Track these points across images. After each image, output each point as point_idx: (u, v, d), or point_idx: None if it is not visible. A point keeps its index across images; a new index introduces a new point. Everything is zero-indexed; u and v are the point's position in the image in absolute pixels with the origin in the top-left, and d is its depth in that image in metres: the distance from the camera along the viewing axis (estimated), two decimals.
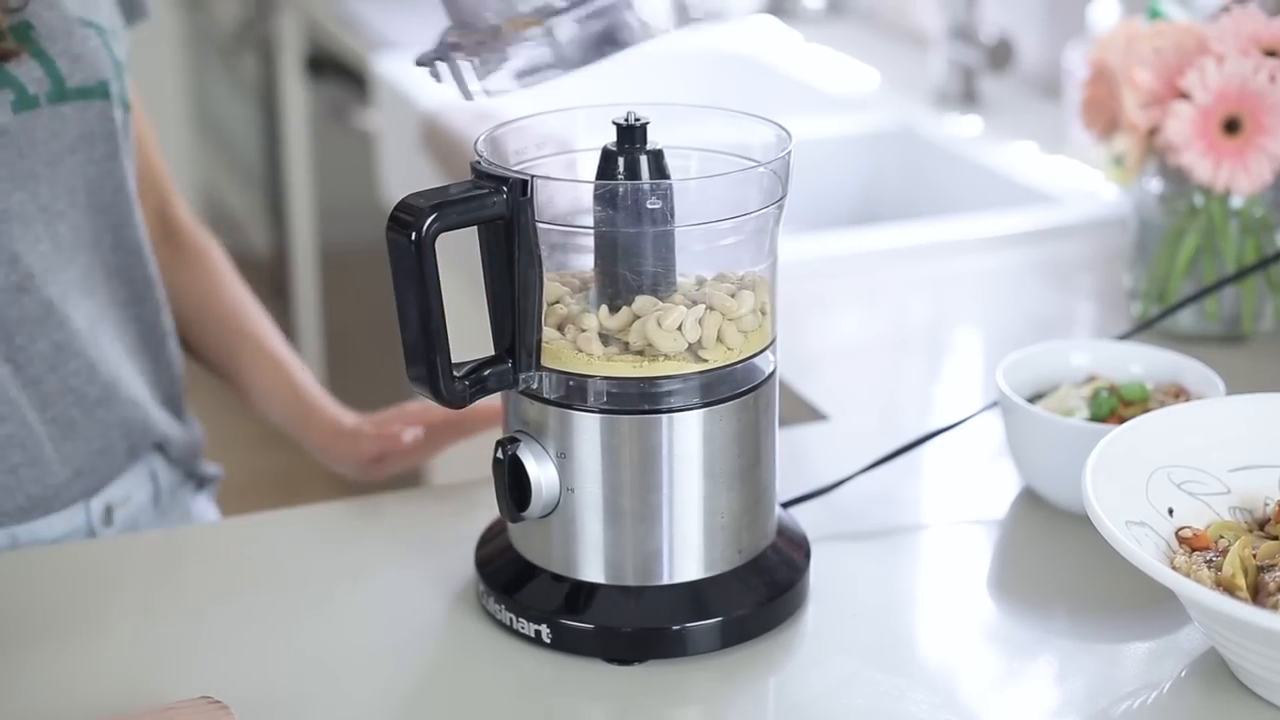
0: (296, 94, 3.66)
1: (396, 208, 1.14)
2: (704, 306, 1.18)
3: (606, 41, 1.12)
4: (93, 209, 1.47)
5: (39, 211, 1.42)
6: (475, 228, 1.18)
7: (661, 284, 1.19)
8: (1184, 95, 1.65)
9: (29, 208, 1.42)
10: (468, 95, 1.15)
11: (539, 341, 1.19)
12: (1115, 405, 1.41)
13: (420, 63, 1.17)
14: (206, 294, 1.66)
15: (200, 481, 1.63)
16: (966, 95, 2.61)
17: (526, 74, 1.14)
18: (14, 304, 1.42)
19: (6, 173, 1.41)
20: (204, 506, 1.63)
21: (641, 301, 1.18)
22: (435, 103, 2.64)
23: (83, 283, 1.47)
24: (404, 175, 2.81)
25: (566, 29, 1.11)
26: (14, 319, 1.42)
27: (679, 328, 1.17)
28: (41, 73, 1.43)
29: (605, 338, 1.19)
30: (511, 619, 1.24)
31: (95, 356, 1.47)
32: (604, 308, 1.19)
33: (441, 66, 1.15)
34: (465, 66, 1.14)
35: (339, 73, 3.27)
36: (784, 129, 1.23)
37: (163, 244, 1.63)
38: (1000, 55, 2.55)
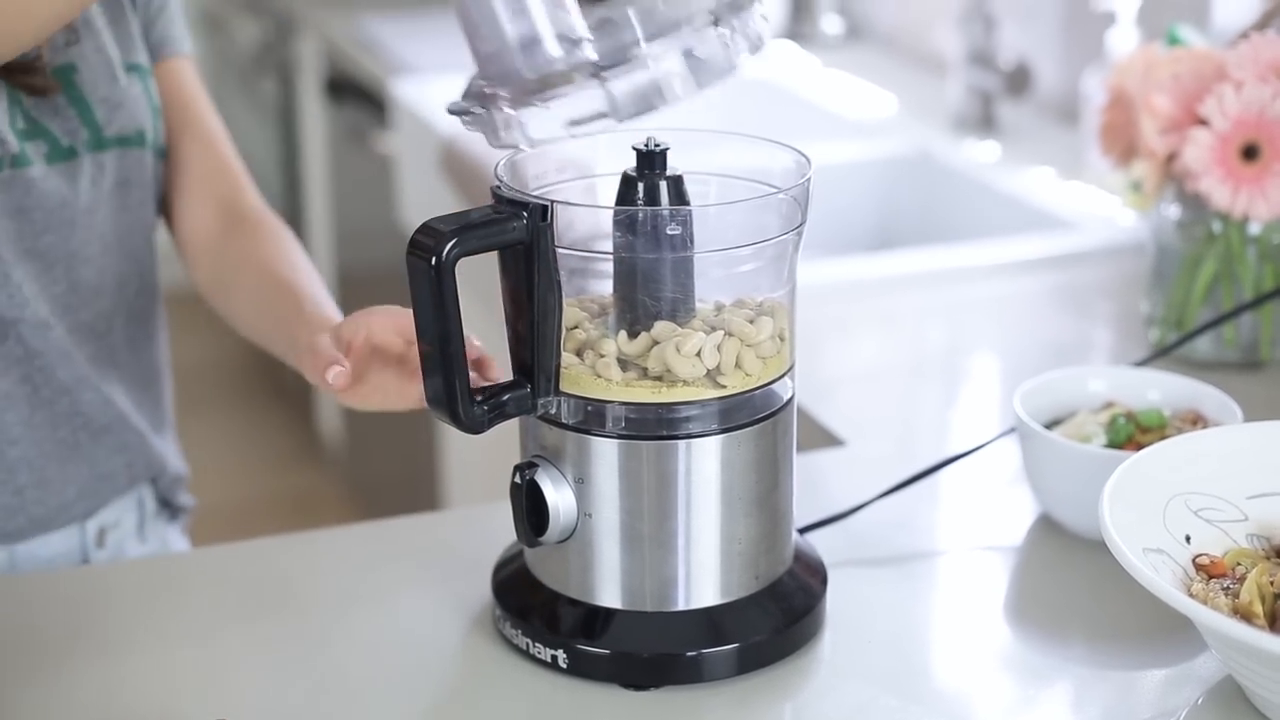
0: (316, 117, 3.67)
1: (417, 232, 1.15)
2: (722, 333, 1.18)
3: (655, 94, 1.12)
4: (122, 254, 1.48)
5: (66, 255, 1.43)
6: (494, 252, 1.18)
7: (680, 310, 1.19)
8: (1202, 121, 1.65)
9: (57, 251, 1.43)
10: (500, 144, 1.14)
11: (558, 367, 1.19)
12: (1132, 432, 1.41)
13: (453, 112, 1.17)
14: (270, 258, 1.53)
15: (174, 511, 1.63)
16: (985, 121, 2.61)
17: (578, 123, 1.13)
18: (39, 336, 1.43)
19: (41, 216, 1.42)
20: (177, 536, 1.64)
21: (660, 327, 1.18)
22: (454, 126, 2.64)
23: (101, 322, 1.48)
24: (422, 199, 2.81)
25: (621, 82, 1.11)
26: (37, 349, 1.43)
27: (697, 354, 1.17)
28: (78, 122, 1.43)
29: (624, 363, 1.19)
30: (528, 643, 1.24)
31: (107, 390, 1.48)
32: (623, 333, 1.19)
33: (479, 115, 1.14)
34: (511, 117, 1.13)
35: (358, 96, 3.28)
36: (803, 155, 1.23)
37: (230, 232, 1.55)
38: (1018, 81, 2.55)
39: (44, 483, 1.46)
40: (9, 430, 1.44)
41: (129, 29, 1.49)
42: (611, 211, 1.18)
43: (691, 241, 1.17)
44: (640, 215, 1.17)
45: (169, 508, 1.62)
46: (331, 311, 1.41)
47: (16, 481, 1.45)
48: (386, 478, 3.49)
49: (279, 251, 1.51)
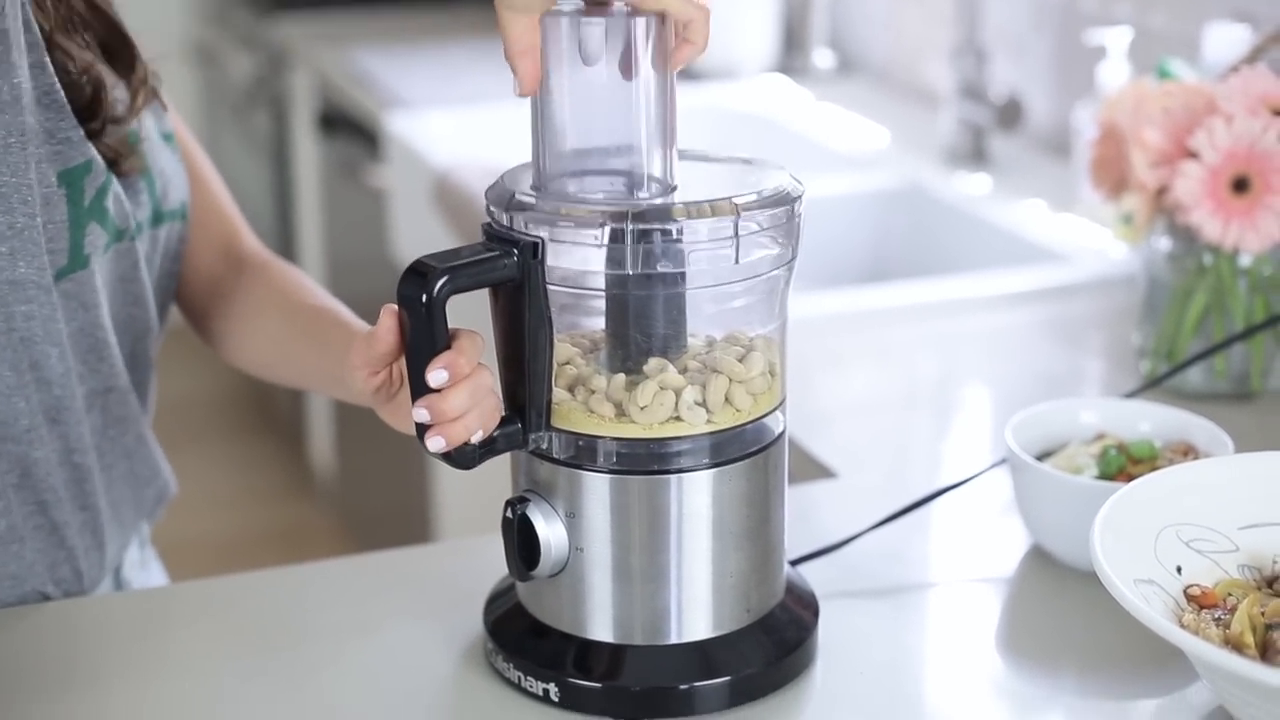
0: (308, 151, 3.68)
1: (408, 269, 1.15)
2: (698, 386, 1.18)
3: None
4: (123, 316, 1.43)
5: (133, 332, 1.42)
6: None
7: (671, 346, 1.19)
8: (1193, 155, 1.66)
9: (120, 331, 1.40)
10: None
11: (549, 402, 1.20)
12: (1124, 463, 1.41)
13: None
14: (293, 292, 1.49)
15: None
16: (976, 154, 2.62)
17: None
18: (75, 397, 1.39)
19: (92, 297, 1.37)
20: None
21: (652, 364, 1.18)
22: (446, 160, 2.65)
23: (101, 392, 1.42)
24: (415, 232, 2.82)
25: None
26: (91, 412, 1.40)
27: (651, 399, 1.17)
28: (146, 195, 1.40)
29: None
30: (520, 677, 1.24)
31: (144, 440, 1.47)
32: (605, 377, 1.19)
33: None
34: None
35: (351, 130, 3.29)
36: (797, 180, 1.23)
37: (235, 277, 1.52)
38: (1010, 114, 2.56)
39: (99, 545, 1.43)
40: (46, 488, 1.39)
41: None
42: (604, 248, 1.18)
43: (683, 278, 1.17)
44: (630, 253, 1.17)
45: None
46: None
47: (84, 542, 1.41)
48: (378, 510, 3.49)
49: (299, 284, 1.49)
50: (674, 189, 1.19)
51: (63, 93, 1.30)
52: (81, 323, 1.36)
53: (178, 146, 1.46)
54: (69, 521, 1.38)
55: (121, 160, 1.36)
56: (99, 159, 1.33)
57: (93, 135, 1.33)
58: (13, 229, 1.28)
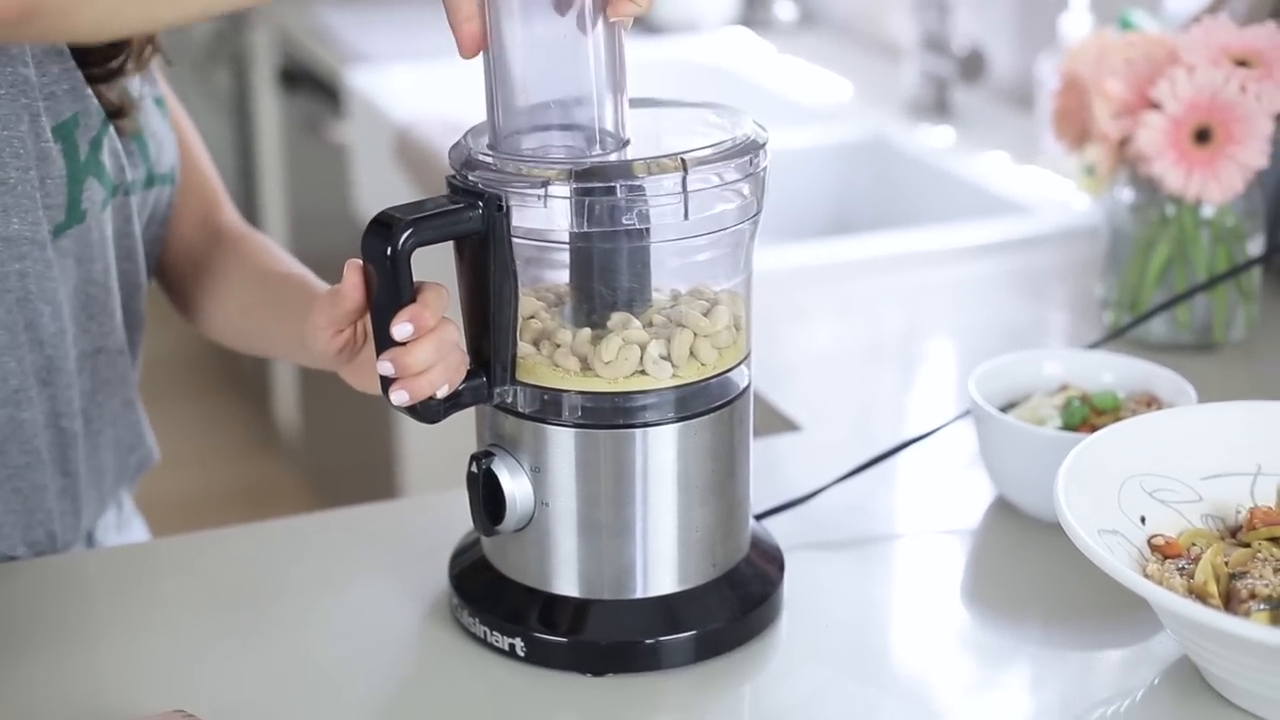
0: (270, 107, 3.66)
1: (372, 222, 1.14)
2: (663, 340, 1.18)
3: None
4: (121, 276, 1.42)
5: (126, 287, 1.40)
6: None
7: (637, 300, 1.19)
8: (1155, 105, 1.66)
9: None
10: None
11: (514, 356, 1.19)
12: (1087, 414, 1.41)
13: None
14: (267, 262, 1.48)
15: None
16: (939, 106, 2.62)
17: None
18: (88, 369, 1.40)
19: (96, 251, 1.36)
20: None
21: (616, 319, 1.18)
22: (408, 116, 2.64)
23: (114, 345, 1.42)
24: (377, 188, 2.81)
25: None
26: (98, 377, 1.41)
27: (616, 354, 1.17)
28: (140, 157, 1.39)
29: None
30: (486, 632, 1.24)
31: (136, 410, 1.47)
32: (572, 331, 1.19)
33: None
34: None
35: (312, 85, 3.27)
36: (762, 127, 1.22)
37: (212, 247, 1.50)
38: (972, 66, 2.56)
39: (78, 510, 1.41)
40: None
41: None
42: (568, 200, 1.17)
43: (648, 232, 1.17)
44: (596, 204, 1.17)
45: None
46: None
47: (46, 506, 1.39)
48: (344, 467, 3.48)
49: (270, 253, 1.48)
50: (627, 142, 1.19)
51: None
52: (77, 280, 1.35)
53: (168, 111, 1.45)
54: (48, 485, 1.37)
55: (124, 114, 1.35)
56: (92, 111, 1.31)
57: (94, 81, 1.32)
58: (5, 184, 1.26)
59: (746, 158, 1.18)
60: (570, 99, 1.18)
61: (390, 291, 1.14)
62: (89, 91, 1.31)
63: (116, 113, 1.35)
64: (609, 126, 1.18)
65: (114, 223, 1.37)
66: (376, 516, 1.47)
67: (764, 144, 1.20)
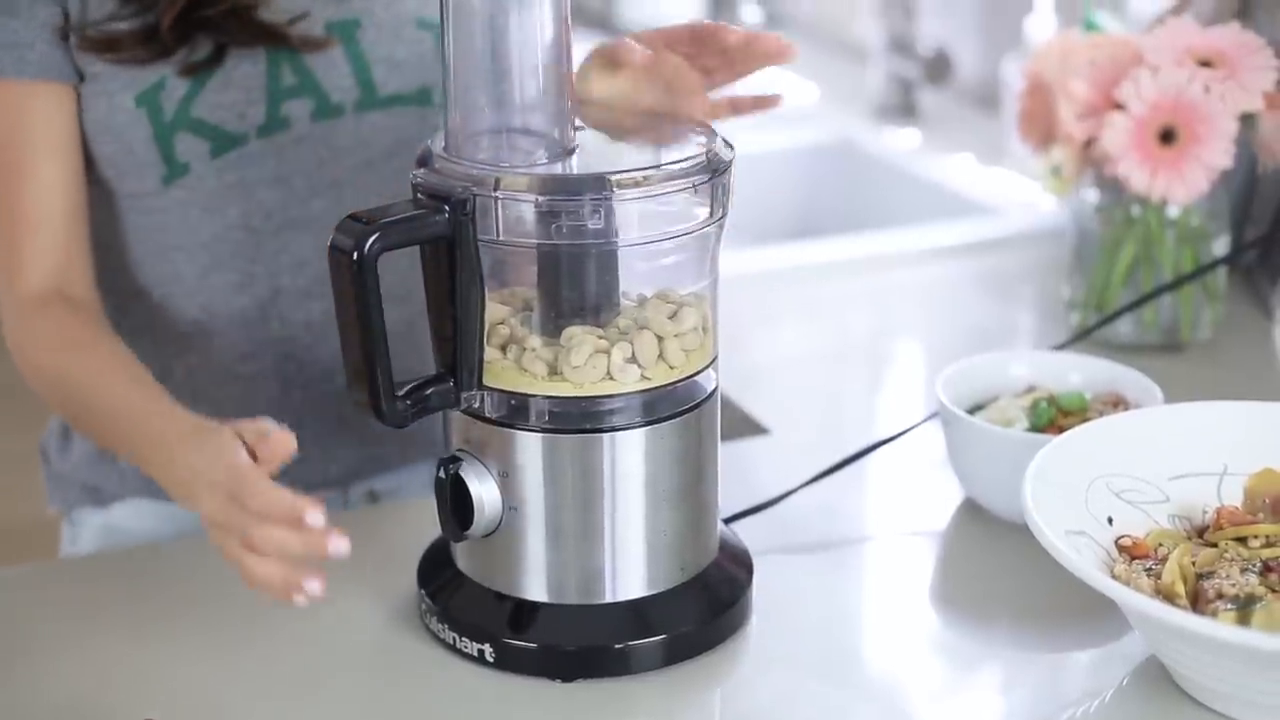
0: None
1: (338, 227, 1.14)
2: (630, 344, 1.18)
3: None
4: None
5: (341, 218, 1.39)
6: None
7: (604, 305, 1.19)
8: (1119, 106, 1.66)
9: (330, 216, 1.35)
10: None
11: (481, 361, 1.19)
12: (1054, 415, 1.42)
13: None
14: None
15: None
16: (905, 108, 2.62)
17: None
18: (299, 308, 1.41)
19: (304, 181, 1.40)
20: None
21: (574, 330, 1.18)
22: None
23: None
24: None
25: None
26: (300, 322, 1.42)
27: (586, 361, 1.17)
28: (353, 80, 1.42)
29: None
30: (454, 638, 1.24)
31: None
32: (539, 338, 1.19)
33: None
34: None
35: None
36: (727, 141, 1.23)
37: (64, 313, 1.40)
38: (938, 68, 2.57)
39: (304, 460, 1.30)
40: (257, 412, 1.34)
41: None
42: (533, 203, 1.17)
43: (616, 234, 1.17)
44: (562, 207, 1.16)
45: None
46: None
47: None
48: None
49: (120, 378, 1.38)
50: (574, 149, 1.20)
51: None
52: (216, 227, 1.42)
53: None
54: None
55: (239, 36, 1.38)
56: (171, 76, 1.37)
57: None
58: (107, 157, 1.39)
59: (710, 163, 1.19)
60: (524, 103, 1.18)
61: (356, 298, 1.14)
62: None
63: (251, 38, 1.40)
64: (557, 134, 1.19)
65: (260, 169, 1.43)
66: (345, 522, 1.46)
67: (730, 160, 1.20)
